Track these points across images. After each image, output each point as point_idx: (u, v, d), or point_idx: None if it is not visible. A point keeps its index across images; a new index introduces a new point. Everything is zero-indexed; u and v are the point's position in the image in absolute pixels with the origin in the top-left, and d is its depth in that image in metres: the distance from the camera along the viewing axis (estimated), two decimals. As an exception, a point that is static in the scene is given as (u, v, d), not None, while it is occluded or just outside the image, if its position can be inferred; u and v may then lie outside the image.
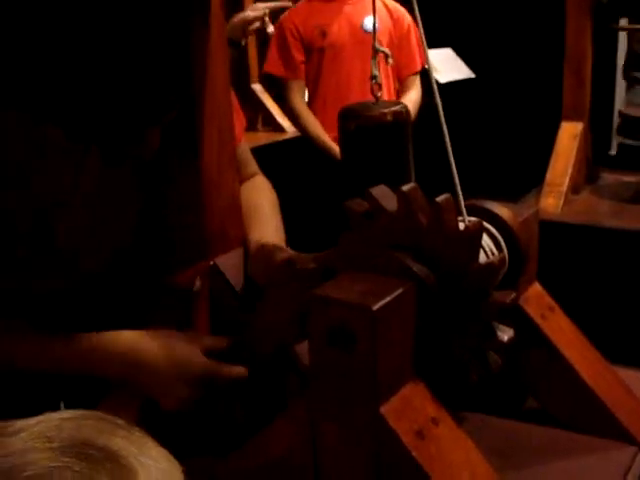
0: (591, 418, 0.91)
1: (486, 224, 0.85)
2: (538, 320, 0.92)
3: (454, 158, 0.82)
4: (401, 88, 2.98)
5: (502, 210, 0.87)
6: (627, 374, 1.01)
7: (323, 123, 2.82)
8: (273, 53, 2.86)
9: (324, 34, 2.81)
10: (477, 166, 3.80)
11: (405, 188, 0.73)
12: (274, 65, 2.87)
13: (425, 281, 0.70)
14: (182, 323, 0.96)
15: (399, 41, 2.90)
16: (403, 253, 0.72)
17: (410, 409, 0.70)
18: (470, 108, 3.62)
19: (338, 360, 0.68)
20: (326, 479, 0.74)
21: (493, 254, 0.82)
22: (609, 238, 1.75)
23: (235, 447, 0.89)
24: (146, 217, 0.98)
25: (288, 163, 3.31)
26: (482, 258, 0.81)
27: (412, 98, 2.99)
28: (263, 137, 3.52)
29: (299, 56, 2.84)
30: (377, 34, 2.81)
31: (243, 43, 2.17)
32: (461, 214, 0.79)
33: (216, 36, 0.95)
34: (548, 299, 0.96)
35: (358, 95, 2.84)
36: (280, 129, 3.53)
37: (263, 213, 1.08)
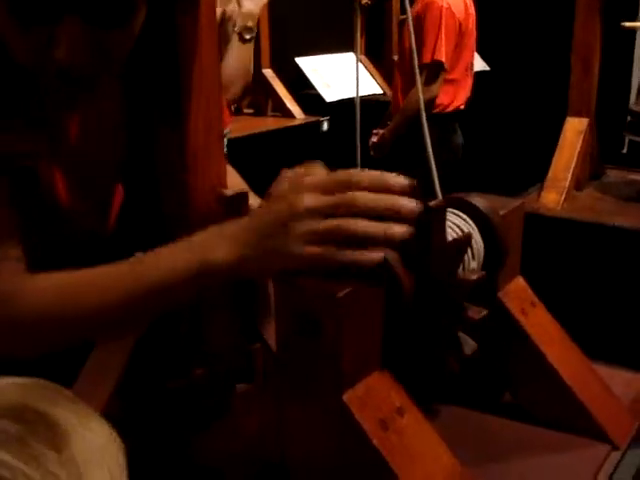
0: (567, 415, 0.90)
1: (463, 215, 0.85)
2: (518, 315, 0.91)
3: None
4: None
5: (481, 202, 0.86)
6: (610, 372, 1.01)
7: None
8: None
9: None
10: (485, 158, 3.79)
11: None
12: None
13: (394, 269, 0.70)
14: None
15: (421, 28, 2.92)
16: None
17: (375, 398, 0.70)
18: (483, 100, 3.59)
19: (304, 346, 0.68)
20: (291, 464, 0.74)
21: (468, 244, 0.82)
22: (608, 236, 1.74)
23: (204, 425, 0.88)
24: (132, 172, 0.95)
25: (296, 148, 3.31)
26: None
27: (413, 90, 2.99)
28: (272, 122, 3.51)
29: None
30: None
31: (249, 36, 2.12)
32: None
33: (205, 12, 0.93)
34: (530, 294, 0.95)
35: None
36: (290, 115, 3.53)
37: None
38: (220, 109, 1.00)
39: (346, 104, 3.57)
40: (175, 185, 0.92)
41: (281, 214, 0.68)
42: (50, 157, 0.86)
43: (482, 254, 0.86)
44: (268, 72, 3.55)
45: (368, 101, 3.94)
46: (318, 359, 0.68)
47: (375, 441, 0.67)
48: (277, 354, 0.71)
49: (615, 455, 0.87)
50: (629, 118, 2.24)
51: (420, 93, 0.77)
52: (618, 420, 0.91)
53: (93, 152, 0.92)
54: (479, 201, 0.87)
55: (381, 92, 4.12)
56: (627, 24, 2.02)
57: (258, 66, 3.54)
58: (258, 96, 3.60)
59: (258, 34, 3.56)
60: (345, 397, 0.68)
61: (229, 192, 0.88)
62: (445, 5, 2.94)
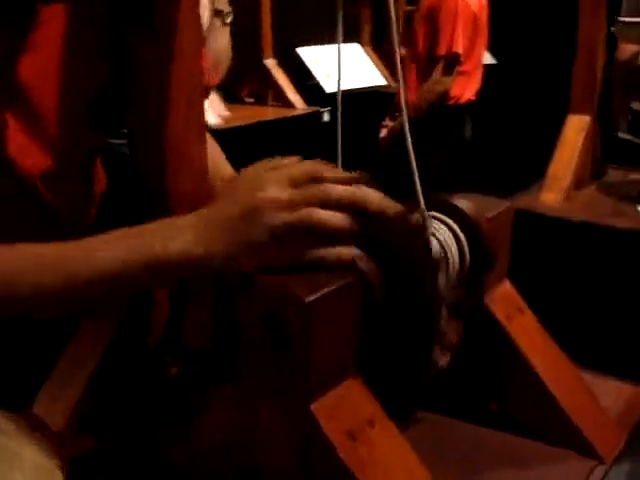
0: (553, 427, 0.87)
1: (446, 219, 0.81)
2: (503, 321, 0.87)
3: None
4: None
5: (466, 204, 0.82)
6: (600, 381, 0.97)
7: None
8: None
9: None
10: (489, 153, 3.74)
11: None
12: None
13: (369, 277, 0.66)
14: None
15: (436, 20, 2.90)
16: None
17: (344, 408, 0.66)
18: (489, 94, 3.55)
19: (270, 351, 0.65)
20: (261, 470, 0.71)
21: (450, 249, 0.78)
22: (606, 237, 1.70)
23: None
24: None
25: (296, 139, 3.27)
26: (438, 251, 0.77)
27: (426, 82, 2.95)
28: (272, 112, 3.48)
29: None
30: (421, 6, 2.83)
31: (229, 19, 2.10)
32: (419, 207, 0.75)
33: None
34: (518, 299, 0.92)
35: None
36: (290, 105, 3.49)
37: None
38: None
39: (348, 95, 3.53)
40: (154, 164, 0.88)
41: (245, 206, 0.64)
42: None
43: (467, 259, 0.82)
44: (270, 62, 3.51)
45: (371, 93, 3.91)
46: (285, 366, 0.64)
47: (342, 454, 0.63)
48: (244, 358, 0.67)
49: (600, 470, 0.84)
50: (629, 117, 2.20)
51: (402, 91, 0.73)
52: (605, 433, 0.88)
53: (53, 92, 0.80)
54: (464, 203, 0.83)
55: (385, 83, 4.08)
56: (626, 19, 1.98)
57: (259, 56, 3.50)
58: (259, 85, 3.56)
59: (260, 23, 3.53)
60: (313, 406, 0.65)
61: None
62: None
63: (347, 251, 0.65)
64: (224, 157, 1.10)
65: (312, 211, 0.64)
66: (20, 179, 0.79)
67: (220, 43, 2.08)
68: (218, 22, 2.05)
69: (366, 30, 4.35)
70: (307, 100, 3.54)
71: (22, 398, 0.85)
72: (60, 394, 0.86)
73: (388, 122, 3.18)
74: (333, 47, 3.72)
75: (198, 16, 0.94)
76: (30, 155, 0.80)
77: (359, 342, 0.68)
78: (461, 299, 0.82)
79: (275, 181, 0.65)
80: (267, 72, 3.50)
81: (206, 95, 2.41)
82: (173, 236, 0.65)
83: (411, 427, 0.85)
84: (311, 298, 0.61)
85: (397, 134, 3.09)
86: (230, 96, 3.56)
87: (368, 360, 0.70)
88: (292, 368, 0.64)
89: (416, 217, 0.69)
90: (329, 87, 3.66)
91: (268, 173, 0.66)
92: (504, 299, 0.90)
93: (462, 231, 0.82)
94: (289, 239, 0.64)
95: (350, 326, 0.66)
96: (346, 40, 3.98)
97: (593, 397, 0.89)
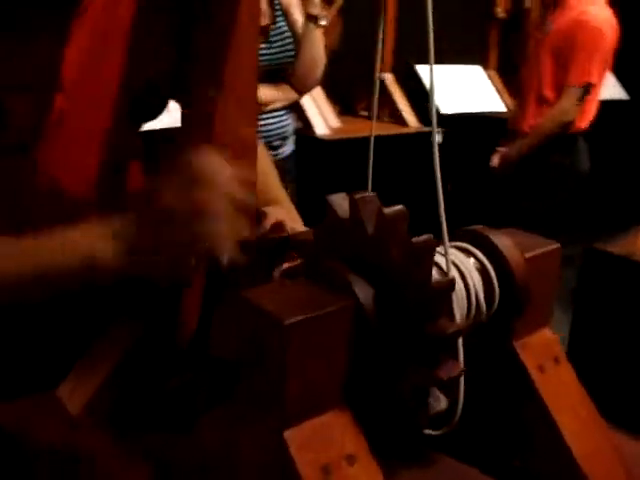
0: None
1: (477, 251, 0.76)
2: (533, 372, 0.81)
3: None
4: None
5: (502, 240, 0.77)
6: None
7: None
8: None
9: None
10: (603, 187, 3.55)
11: (358, 195, 0.65)
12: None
13: (362, 302, 0.62)
14: None
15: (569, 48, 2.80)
16: (343, 266, 0.64)
17: (322, 440, 0.63)
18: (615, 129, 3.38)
19: (249, 371, 0.62)
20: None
21: (472, 283, 0.73)
22: None
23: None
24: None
25: (407, 158, 3.22)
26: (459, 288, 0.72)
27: (551, 111, 2.85)
28: (384, 128, 3.45)
29: None
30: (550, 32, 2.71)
31: (324, 22, 2.08)
32: (442, 242, 0.70)
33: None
34: (556, 349, 0.85)
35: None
36: (403, 123, 3.46)
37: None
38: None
39: (465, 118, 3.46)
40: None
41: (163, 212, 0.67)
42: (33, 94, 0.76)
43: (496, 298, 0.77)
44: (388, 76, 3.48)
45: (488, 118, 3.80)
46: (262, 389, 0.62)
47: (309, 489, 0.60)
48: (224, 375, 0.65)
49: None
50: None
51: (434, 112, 0.68)
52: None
53: (101, 80, 0.81)
54: (500, 239, 0.77)
55: (504, 110, 3.95)
56: None
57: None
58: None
59: (383, 36, 3.51)
60: (287, 434, 0.61)
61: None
62: (598, 26, 2.79)
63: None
64: (277, 178, 1.09)
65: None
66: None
67: (315, 47, 2.08)
68: (312, 26, 2.06)
69: (493, 53, 4.24)
70: (422, 119, 3.49)
71: (52, 381, 0.88)
72: (81, 381, 0.88)
73: (502, 148, 3.08)
74: (453, 67, 3.66)
75: (258, 13, 0.92)
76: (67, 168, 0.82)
77: (348, 372, 0.64)
78: (482, 339, 0.76)
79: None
80: (384, 87, 3.48)
81: (300, 96, 2.41)
82: (102, 243, 0.69)
83: (415, 467, 0.80)
84: (290, 321, 0.58)
85: (513, 159, 2.98)
86: (346, 108, 3.56)
87: (359, 392, 0.66)
88: (268, 392, 0.61)
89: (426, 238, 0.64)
90: (446, 108, 3.59)
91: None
92: (539, 348, 0.83)
93: (494, 268, 0.77)
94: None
95: (337, 354, 0.63)
96: (469, 62, 3.90)
97: (622, 465, 0.81)
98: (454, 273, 0.73)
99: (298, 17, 2.10)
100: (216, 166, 0.69)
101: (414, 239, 0.63)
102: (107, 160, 0.85)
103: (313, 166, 2.81)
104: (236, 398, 0.65)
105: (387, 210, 0.63)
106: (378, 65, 0.75)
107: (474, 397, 0.77)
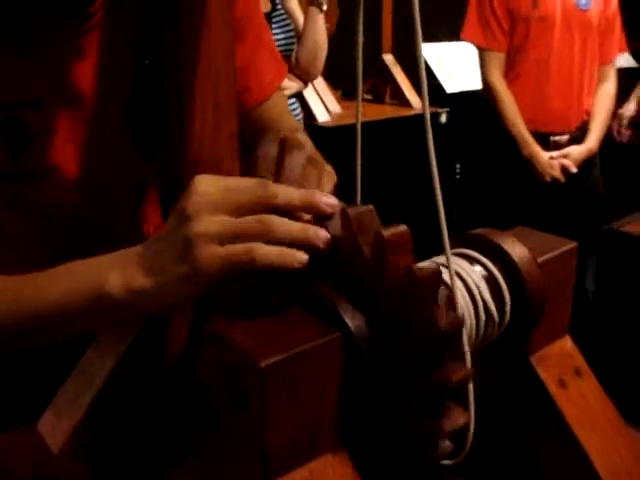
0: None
1: (484, 259, 0.68)
2: (552, 388, 0.73)
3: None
4: (598, 76, 2.61)
5: (512, 245, 0.68)
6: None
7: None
8: (472, 17, 2.55)
9: (535, 3, 2.46)
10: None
11: (352, 211, 0.57)
12: (472, 32, 2.57)
13: (353, 332, 0.54)
14: None
15: (605, 24, 2.55)
16: (333, 291, 0.56)
17: (313, 491, 0.55)
18: None
19: (229, 414, 0.55)
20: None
21: (484, 300, 0.65)
22: None
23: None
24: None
25: (412, 140, 3.13)
26: (465, 304, 0.64)
27: (610, 92, 2.62)
28: (389, 111, 3.36)
29: (504, 24, 2.51)
30: (589, 11, 2.47)
31: (325, 7, 2.01)
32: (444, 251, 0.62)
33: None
34: (578, 359, 0.77)
35: (558, 80, 2.53)
36: (407, 104, 3.36)
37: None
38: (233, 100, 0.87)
39: (468, 96, 3.34)
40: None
41: (174, 240, 0.57)
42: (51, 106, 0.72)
43: (508, 309, 0.68)
44: (388, 57, 3.38)
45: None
46: (243, 436, 0.54)
47: None
48: (204, 419, 0.57)
49: None
50: None
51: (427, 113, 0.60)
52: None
53: (104, 96, 0.76)
54: (509, 243, 0.69)
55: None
56: None
57: (378, 50, 3.39)
58: (377, 82, 3.44)
59: (380, 16, 3.41)
60: (272, 487, 0.54)
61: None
62: None
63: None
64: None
65: (249, 248, 0.55)
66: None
67: (318, 32, 2.01)
68: (315, 10, 1.99)
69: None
70: (425, 99, 3.38)
71: (31, 413, 0.81)
72: (63, 415, 0.82)
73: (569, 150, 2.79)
74: (456, 45, 3.54)
75: (230, 18, 0.85)
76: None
77: (343, 411, 0.57)
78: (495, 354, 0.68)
79: (211, 209, 0.56)
80: (386, 68, 3.38)
81: (305, 85, 2.33)
82: (109, 276, 0.58)
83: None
84: (269, 362, 0.50)
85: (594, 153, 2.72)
86: (348, 91, 3.46)
87: (358, 432, 0.58)
88: (248, 440, 0.53)
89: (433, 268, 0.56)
90: (450, 87, 3.48)
91: (210, 195, 0.57)
92: (558, 360, 0.75)
93: (504, 276, 0.68)
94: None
95: (327, 393, 0.55)
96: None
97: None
98: (459, 284, 0.64)
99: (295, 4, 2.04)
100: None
101: (418, 268, 0.54)
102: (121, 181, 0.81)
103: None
104: (211, 449, 0.58)
105: (387, 232, 0.54)
106: (360, 58, 0.67)
107: (489, 418, 0.69)
